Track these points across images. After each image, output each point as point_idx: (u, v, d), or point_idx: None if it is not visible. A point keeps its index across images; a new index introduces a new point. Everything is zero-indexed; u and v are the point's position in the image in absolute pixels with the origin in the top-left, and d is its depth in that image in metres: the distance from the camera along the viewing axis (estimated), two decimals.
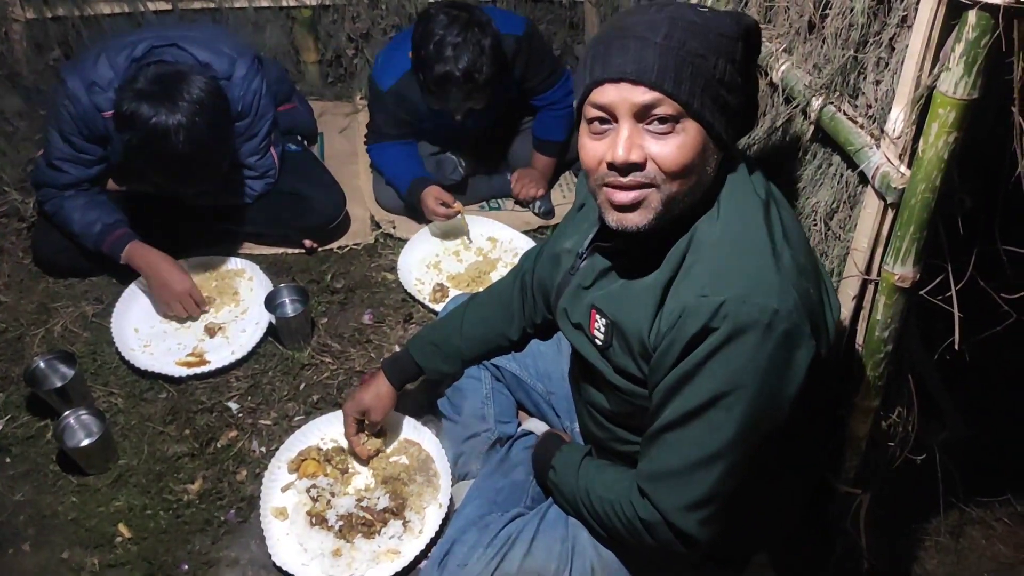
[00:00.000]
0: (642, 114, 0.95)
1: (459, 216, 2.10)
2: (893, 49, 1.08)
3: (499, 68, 1.94)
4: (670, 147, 0.95)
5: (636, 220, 0.99)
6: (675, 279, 1.00)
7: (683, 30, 0.94)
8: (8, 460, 1.64)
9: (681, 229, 1.02)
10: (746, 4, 1.42)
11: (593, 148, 0.99)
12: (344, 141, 2.45)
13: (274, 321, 1.83)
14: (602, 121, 0.97)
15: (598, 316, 1.09)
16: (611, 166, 0.96)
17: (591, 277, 1.12)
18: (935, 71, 0.98)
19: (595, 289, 1.11)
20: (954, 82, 0.94)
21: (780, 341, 0.93)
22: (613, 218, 1.00)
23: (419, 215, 2.17)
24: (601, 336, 1.09)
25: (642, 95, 0.93)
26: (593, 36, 1.02)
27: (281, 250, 2.11)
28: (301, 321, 1.85)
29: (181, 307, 1.88)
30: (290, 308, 1.88)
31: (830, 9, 1.18)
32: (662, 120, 0.94)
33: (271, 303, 1.86)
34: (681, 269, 1.00)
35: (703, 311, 0.93)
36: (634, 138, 0.95)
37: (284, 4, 2.42)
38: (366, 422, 1.53)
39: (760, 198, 1.02)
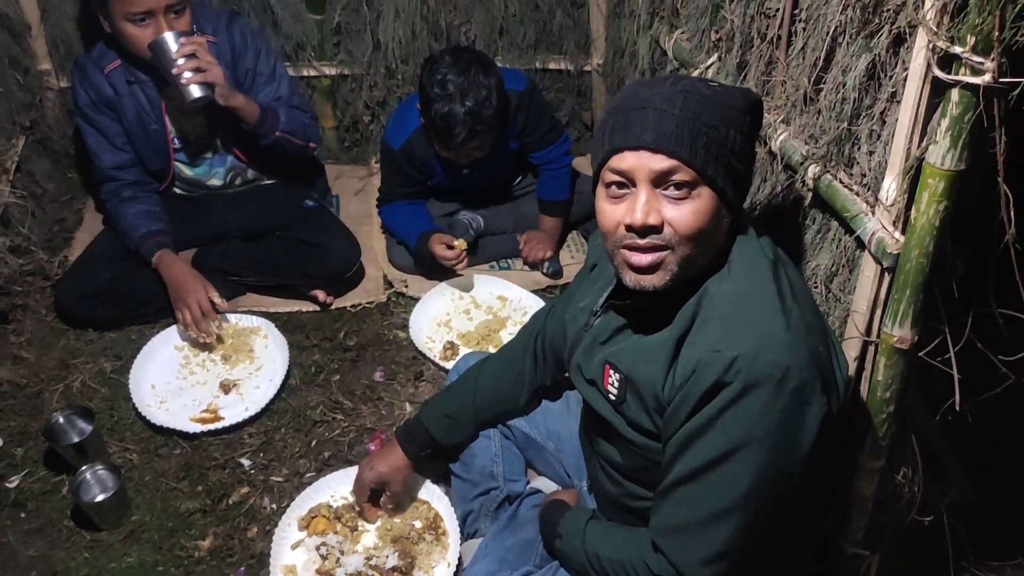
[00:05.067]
0: (659, 180, 1.01)
1: (466, 268, 2.15)
2: (884, 122, 1.14)
3: (503, 109, 2.00)
4: (685, 212, 1.01)
5: (653, 281, 1.04)
6: (688, 334, 1.04)
7: (697, 103, 1.01)
8: (23, 515, 1.66)
9: (693, 287, 1.06)
10: (745, 78, 1.49)
11: (612, 211, 1.04)
12: (359, 203, 2.53)
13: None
14: (620, 186, 1.03)
15: (612, 371, 1.12)
16: (629, 228, 1.02)
17: (605, 334, 1.16)
18: (923, 144, 1.03)
19: (609, 345, 1.14)
20: (941, 154, 0.99)
21: (792, 397, 0.96)
22: (631, 279, 1.05)
23: (431, 271, 2.22)
24: (615, 391, 1.12)
25: (660, 162, 0.99)
26: (609, 105, 1.09)
27: (296, 308, 2.15)
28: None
29: (189, 313, 1.93)
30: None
31: (824, 84, 1.25)
32: (678, 186, 1.00)
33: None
34: (694, 325, 1.04)
35: (716, 366, 0.96)
36: (651, 202, 1.01)
37: (304, 74, 2.53)
38: (385, 493, 1.54)
39: (769, 258, 1.07)
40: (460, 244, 2.13)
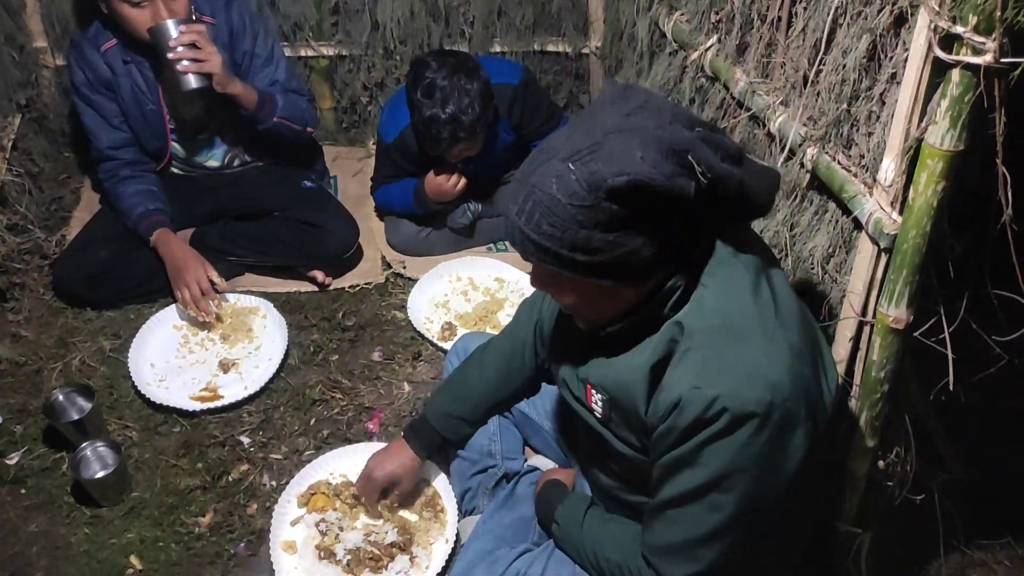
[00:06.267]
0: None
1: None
2: (883, 103, 1.14)
3: (487, 112, 2.01)
4: (560, 292, 1.05)
5: (580, 325, 1.10)
6: (668, 362, 1.01)
7: (536, 204, 0.95)
8: (23, 491, 1.67)
9: (664, 307, 1.02)
10: (745, 59, 1.49)
11: None
12: (357, 184, 2.53)
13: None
14: None
15: (594, 391, 1.13)
16: None
17: (585, 350, 1.15)
18: (923, 124, 1.04)
19: (589, 364, 1.14)
20: (941, 135, 1.00)
21: (776, 429, 0.96)
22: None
23: (432, 246, 2.26)
24: (600, 410, 1.13)
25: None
26: None
27: (295, 288, 2.16)
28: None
29: (188, 293, 1.94)
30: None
31: (824, 65, 1.25)
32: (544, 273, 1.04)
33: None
34: (675, 355, 1.00)
35: (697, 403, 0.95)
36: (538, 278, 1.06)
37: (302, 54, 2.52)
38: (394, 491, 1.53)
39: (749, 273, 1.01)
40: (456, 178, 2.14)
